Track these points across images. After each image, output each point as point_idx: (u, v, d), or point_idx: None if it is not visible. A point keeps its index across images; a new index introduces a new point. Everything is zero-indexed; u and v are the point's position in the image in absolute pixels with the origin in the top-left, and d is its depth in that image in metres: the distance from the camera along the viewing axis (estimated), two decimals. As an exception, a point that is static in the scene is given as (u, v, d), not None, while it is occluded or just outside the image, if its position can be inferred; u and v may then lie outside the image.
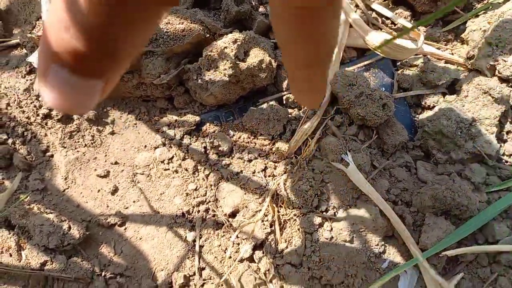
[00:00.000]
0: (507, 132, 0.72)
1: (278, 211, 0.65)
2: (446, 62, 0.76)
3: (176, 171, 0.69)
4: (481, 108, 0.69)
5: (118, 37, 0.21)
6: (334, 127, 0.70)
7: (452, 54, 0.77)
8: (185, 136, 0.70)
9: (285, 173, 0.67)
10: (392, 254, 0.66)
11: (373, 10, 0.80)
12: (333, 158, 0.67)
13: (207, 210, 0.67)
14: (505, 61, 0.69)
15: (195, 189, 0.68)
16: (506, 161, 0.71)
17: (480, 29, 0.72)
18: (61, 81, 0.21)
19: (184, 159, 0.69)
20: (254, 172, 0.67)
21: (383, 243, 0.65)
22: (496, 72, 0.70)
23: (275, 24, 0.26)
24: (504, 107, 0.69)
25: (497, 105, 0.69)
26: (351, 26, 0.76)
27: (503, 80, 0.70)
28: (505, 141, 0.72)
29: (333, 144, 0.67)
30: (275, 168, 0.68)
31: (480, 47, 0.72)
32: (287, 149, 0.68)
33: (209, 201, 0.67)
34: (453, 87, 0.74)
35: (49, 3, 0.60)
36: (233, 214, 0.66)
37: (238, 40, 0.67)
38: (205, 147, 0.69)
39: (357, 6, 0.80)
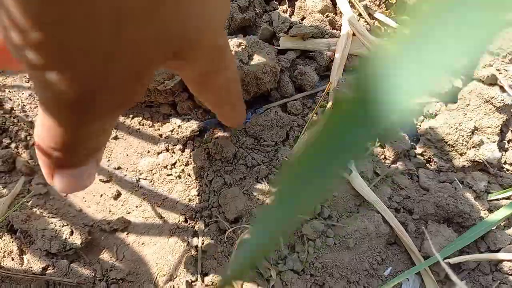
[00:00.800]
0: (509, 141, 0.72)
1: (281, 218, 0.65)
2: (447, 71, 0.76)
3: (179, 177, 0.69)
4: (483, 117, 0.70)
5: (86, 144, 0.28)
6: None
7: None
8: (188, 141, 0.70)
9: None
10: (395, 261, 0.66)
11: (375, 19, 0.80)
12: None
13: (209, 216, 0.67)
14: (506, 70, 0.69)
15: (198, 195, 0.68)
16: (508, 170, 0.71)
17: (482, 38, 0.73)
18: (64, 177, 0.30)
19: (187, 164, 0.69)
20: (257, 178, 0.68)
21: (385, 250, 0.66)
22: (498, 82, 0.70)
23: (188, 85, 0.37)
24: (505, 116, 0.70)
25: (499, 114, 0.69)
26: (354, 34, 0.76)
27: (505, 89, 0.70)
28: (506, 150, 0.73)
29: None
30: (278, 175, 0.68)
31: (481, 56, 0.73)
32: (290, 156, 0.68)
33: (212, 207, 0.67)
34: (455, 96, 0.75)
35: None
36: (236, 220, 0.66)
37: (242, 44, 0.67)
38: (208, 153, 0.70)
39: (360, 15, 0.80)
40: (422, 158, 0.73)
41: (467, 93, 0.72)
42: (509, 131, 0.73)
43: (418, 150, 0.73)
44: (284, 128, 0.70)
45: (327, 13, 0.79)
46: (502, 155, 0.71)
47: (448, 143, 0.68)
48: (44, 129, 0.26)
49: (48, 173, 0.31)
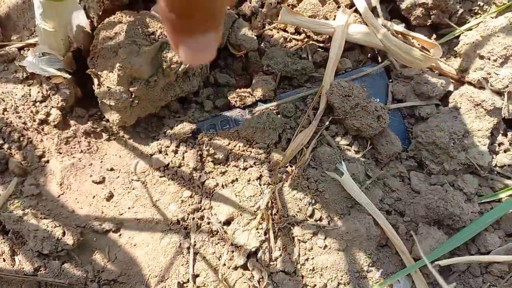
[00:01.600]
0: (499, 144, 0.73)
1: (273, 219, 0.66)
2: (439, 74, 0.77)
3: (172, 179, 0.69)
4: (474, 120, 0.70)
5: (202, 9, 0.32)
6: (329, 137, 0.71)
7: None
8: (181, 143, 0.71)
9: (280, 181, 0.67)
10: (386, 263, 0.66)
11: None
12: (328, 167, 0.68)
13: (202, 218, 0.67)
14: (497, 74, 0.70)
15: (190, 196, 0.68)
16: (498, 172, 0.72)
17: (473, 42, 0.73)
18: (187, 46, 0.34)
19: (180, 166, 0.70)
20: (249, 180, 0.68)
21: (376, 252, 0.66)
22: (489, 85, 0.71)
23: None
24: (496, 119, 0.70)
25: (489, 117, 0.70)
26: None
27: (495, 92, 0.71)
28: (497, 153, 0.73)
29: (328, 153, 0.68)
30: (270, 177, 0.68)
31: (472, 60, 0.73)
32: (282, 158, 0.69)
33: (204, 209, 0.68)
34: (446, 99, 0.75)
35: (41, 8, 0.61)
36: (227, 222, 0.66)
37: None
38: (200, 155, 0.70)
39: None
40: (413, 160, 0.73)
41: (458, 96, 0.73)
42: (500, 134, 0.73)
43: (410, 153, 0.73)
44: (276, 130, 0.70)
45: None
46: (492, 158, 0.72)
47: (439, 146, 0.69)
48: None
49: (174, 44, 0.35)
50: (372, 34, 0.76)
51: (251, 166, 0.69)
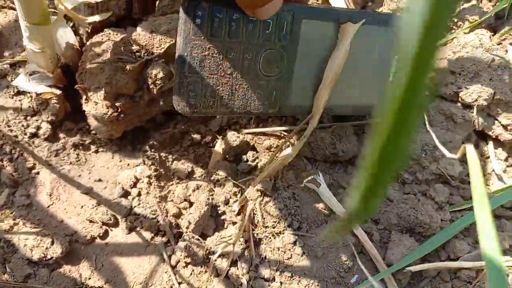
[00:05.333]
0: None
1: (253, 230, 0.69)
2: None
3: (156, 189, 0.72)
4: (445, 132, 0.74)
5: None
6: (308, 151, 0.74)
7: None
8: (165, 155, 0.74)
9: (260, 192, 0.71)
10: (361, 270, 0.69)
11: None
12: (306, 178, 0.71)
13: (186, 227, 0.70)
14: (467, 88, 0.73)
15: (174, 207, 0.71)
16: (469, 182, 0.75)
17: (446, 58, 0.77)
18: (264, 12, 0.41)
19: (164, 177, 0.73)
20: (230, 191, 0.71)
21: (352, 258, 0.69)
22: (459, 99, 0.75)
23: None
24: (466, 132, 0.74)
25: (460, 130, 0.74)
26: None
27: (466, 106, 0.74)
28: (468, 163, 0.76)
29: (306, 165, 0.71)
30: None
31: (445, 75, 0.77)
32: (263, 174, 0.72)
33: (188, 221, 0.71)
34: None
35: (27, 32, 0.64)
36: (205, 235, 0.70)
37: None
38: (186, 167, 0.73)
39: None
40: (388, 171, 0.76)
41: (431, 109, 0.76)
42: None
43: (385, 163, 0.76)
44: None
45: None
46: (463, 168, 0.75)
47: (412, 157, 0.72)
48: None
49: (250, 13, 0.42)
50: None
51: (225, 179, 0.72)
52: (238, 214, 0.70)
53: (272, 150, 0.74)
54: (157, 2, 0.76)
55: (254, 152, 0.75)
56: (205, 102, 0.48)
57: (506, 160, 0.77)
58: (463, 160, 0.76)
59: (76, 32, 0.76)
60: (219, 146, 0.76)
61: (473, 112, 0.73)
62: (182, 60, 0.45)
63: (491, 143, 0.78)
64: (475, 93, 0.73)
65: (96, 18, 0.74)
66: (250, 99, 0.51)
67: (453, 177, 0.72)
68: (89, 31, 0.75)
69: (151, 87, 0.70)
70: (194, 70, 0.46)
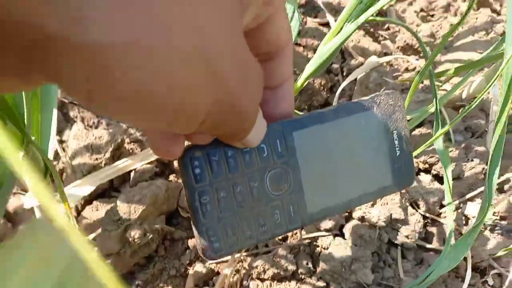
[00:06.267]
0: (384, 262, 0.99)
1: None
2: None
3: None
4: (358, 248, 0.96)
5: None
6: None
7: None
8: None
9: None
10: None
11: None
12: None
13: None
14: (370, 213, 0.97)
15: None
16: (385, 284, 0.97)
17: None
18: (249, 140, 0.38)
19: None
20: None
21: None
22: (366, 220, 0.98)
23: None
24: (374, 247, 0.96)
25: (370, 245, 0.96)
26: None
27: (372, 226, 0.97)
28: (383, 268, 0.98)
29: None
30: None
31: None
32: None
33: None
34: (341, 230, 1.02)
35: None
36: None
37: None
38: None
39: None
40: (323, 281, 0.98)
41: (347, 229, 0.99)
42: (384, 254, 0.99)
43: (318, 275, 0.98)
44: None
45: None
46: (378, 273, 0.97)
47: (335, 272, 0.94)
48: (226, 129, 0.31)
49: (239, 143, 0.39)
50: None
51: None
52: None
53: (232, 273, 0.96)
54: (131, 174, 1.02)
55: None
56: (229, 242, 0.47)
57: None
58: (379, 266, 0.98)
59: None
60: (190, 276, 0.99)
61: (377, 231, 0.96)
62: (194, 209, 0.45)
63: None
64: (375, 216, 0.96)
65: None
66: (270, 223, 0.50)
67: (368, 284, 0.94)
68: (82, 203, 1.00)
69: (131, 244, 0.94)
70: (208, 215, 0.45)
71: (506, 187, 1.04)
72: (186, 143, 0.39)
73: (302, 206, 0.53)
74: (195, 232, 0.46)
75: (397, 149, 0.55)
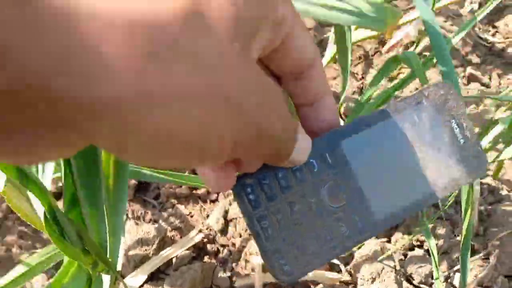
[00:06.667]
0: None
1: None
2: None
3: None
4: None
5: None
6: None
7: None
8: None
9: None
10: None
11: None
12: None
13: None
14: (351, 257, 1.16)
15: None
16: None
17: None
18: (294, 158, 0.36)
19: None
20: None
21: None
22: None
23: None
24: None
25: (346, 286, 1.15)
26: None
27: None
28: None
29: None
30: None
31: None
32: None
33: None
34: None
35: None
36: None
37: None
38: None
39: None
40: None
41: None
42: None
43: None
44: None
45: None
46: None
47: None
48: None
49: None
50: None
51: None
52: None
53: None
54: (173, 260, 1.25)
55: None
56: (299, 263, 0.46)
57: None
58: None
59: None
60: None
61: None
62: (256, 236, 0.45)
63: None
64: (375, 292, 1.15)
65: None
66: (338, 236, 0.48)
67: None
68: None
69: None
70: (271, 238, 0.45)
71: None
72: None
73: (367, 214, 0.49)
74: (263, 258, 0.46)
75: (459, 138, 0.51)
